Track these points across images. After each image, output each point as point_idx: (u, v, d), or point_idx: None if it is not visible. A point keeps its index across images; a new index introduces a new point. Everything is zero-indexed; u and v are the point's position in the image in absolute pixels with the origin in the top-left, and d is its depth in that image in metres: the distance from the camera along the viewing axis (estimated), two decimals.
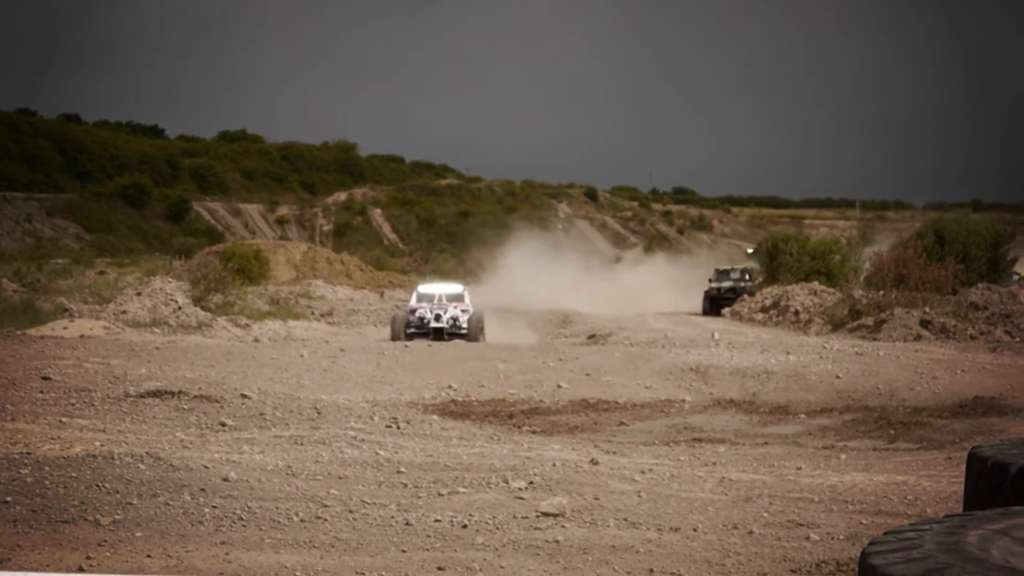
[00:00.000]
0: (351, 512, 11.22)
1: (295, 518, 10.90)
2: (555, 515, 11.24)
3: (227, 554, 9.56)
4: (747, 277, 54.94)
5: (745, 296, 50.14)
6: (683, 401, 21.70)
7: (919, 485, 13.52)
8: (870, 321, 35.16)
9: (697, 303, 54.26)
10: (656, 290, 51.69)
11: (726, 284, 54.13)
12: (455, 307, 37.26)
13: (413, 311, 37.15)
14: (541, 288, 41.42)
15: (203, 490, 11.73)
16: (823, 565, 9.83)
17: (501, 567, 9.46)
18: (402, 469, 13.61)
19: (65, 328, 29.62)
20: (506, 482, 12.86)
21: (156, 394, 18.75)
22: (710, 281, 54.95)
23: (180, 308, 35.39)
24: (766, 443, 17.92)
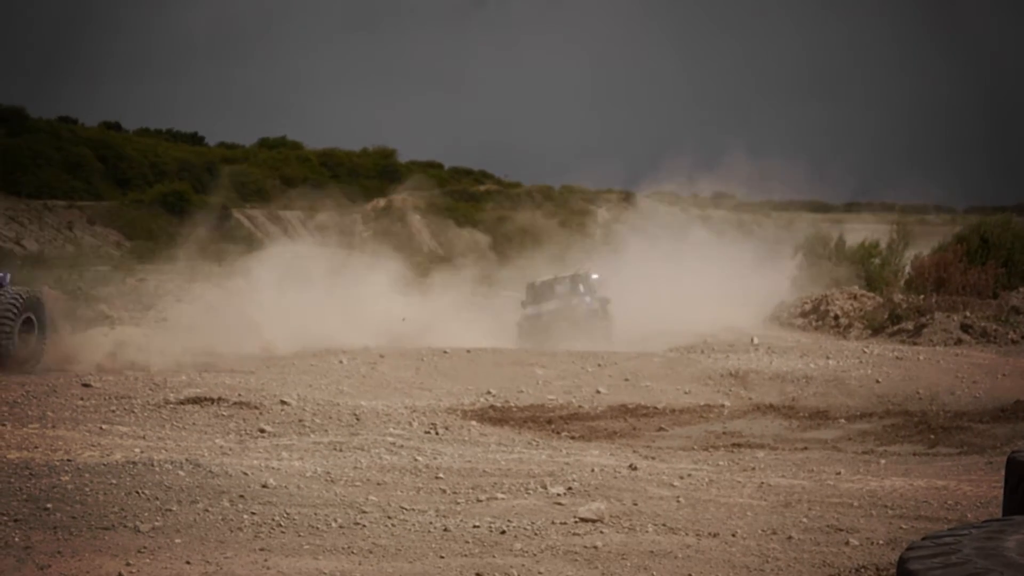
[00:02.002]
0: (389, 518, 11.24)
1: (334, 524, 10.92)
2: (593, 521, 11.23)
3: (266, 560, 9.59)
4: (583, 288, 36.31)
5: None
6: (722, 406, 21.64)
7: (959, 490, 13.46)
8: (910, 325, 34.99)
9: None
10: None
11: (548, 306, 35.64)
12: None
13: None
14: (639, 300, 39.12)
15: (242, 496, 11.76)
16: (863, 570, 9.80)
17: (539, 573, 9.46)
18: (440, 475, 13.62)
19: (105, 335, 29.73)
20: (544, 488, 12.86)
21: (196, 401, 18.82)
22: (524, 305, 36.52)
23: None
24: (805, 448, 17.86)
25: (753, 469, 15.27)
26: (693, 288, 36.54)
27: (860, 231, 45.78)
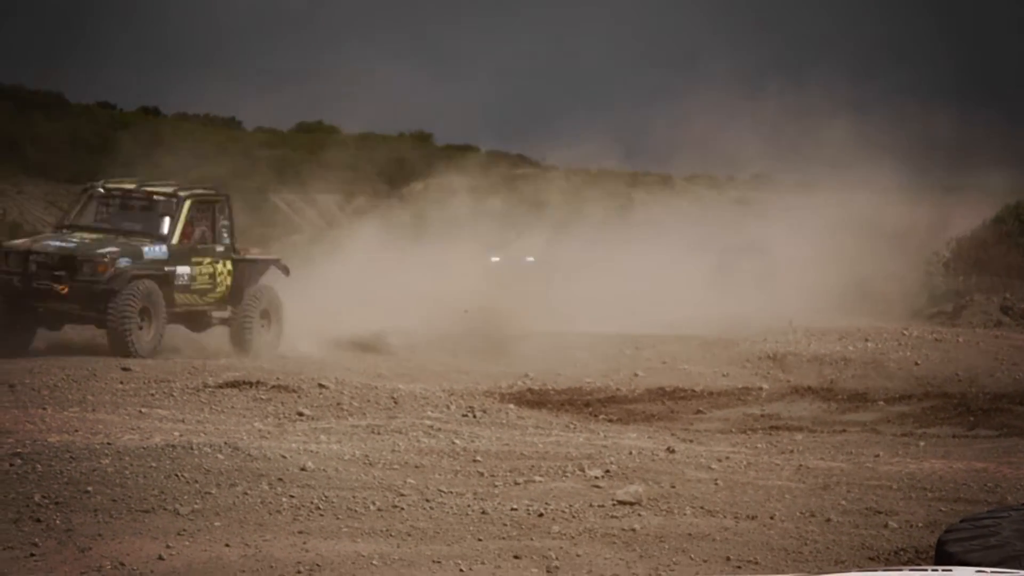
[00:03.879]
0: (427, 501, 11.26)
1: (372, 507, 10.95)
2: (631, 503, 11.23)
3: (304, 543, 9.63)
4: None
5: None
6: (760, 389, 21.59)
7: (999, 472, 13.40)
8: (949, 307, 34.82)
9: None
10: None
11: None
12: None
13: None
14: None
15: (281, 480, 11.80)
16: (902, 553, 9.78)
17: (577, 555, 9.47)
18: (478, 458, 13.63)
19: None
20: (582, 471, 12.86)
21: (234, 384, 18.86)
22: None
23: None
24: (844, 430, 17.81)
25: (791, 452, 15.23)
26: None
27: None
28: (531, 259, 38.08)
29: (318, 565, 9.32)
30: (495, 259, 37.52)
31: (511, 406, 19.10)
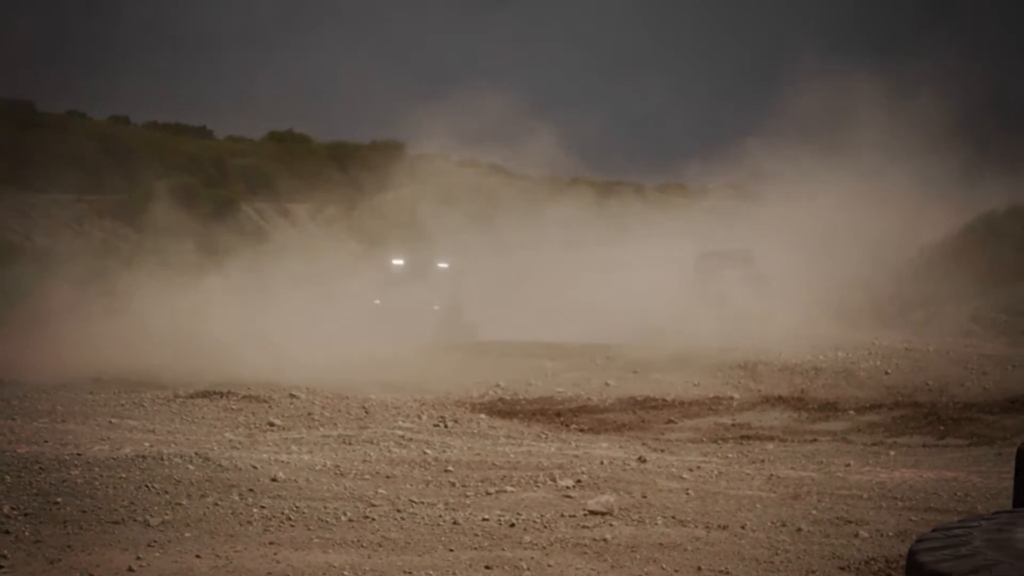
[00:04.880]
0: (399, 511, 11.24)
1: (343, 518, 10.92)
2: (603, 513, 11.23)
3: (275, 554, 9.60)
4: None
5: None
6: (731, 398, 21.64)
7: (969, 481, 13.44)
8: (920, 316, 34.92)
9: None
10: None
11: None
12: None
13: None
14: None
15: (252, 490, 11.77)
16: (872, 562, 9.79)
17: (549, 566, 9.46)
18: (450, 468, 13.62)
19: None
20: (554, 480, 12.86)
21: (205, 395, 18.83)
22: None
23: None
24: (815, 440, 17.85)
25: (762, 461, 15.27)
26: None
27: None
28: (444, 265, 36.58)
29: None
30: (398, 262, 36.43)
31: (482, 416, 19.10)
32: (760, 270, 36.97)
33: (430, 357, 25.41)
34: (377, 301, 33.69)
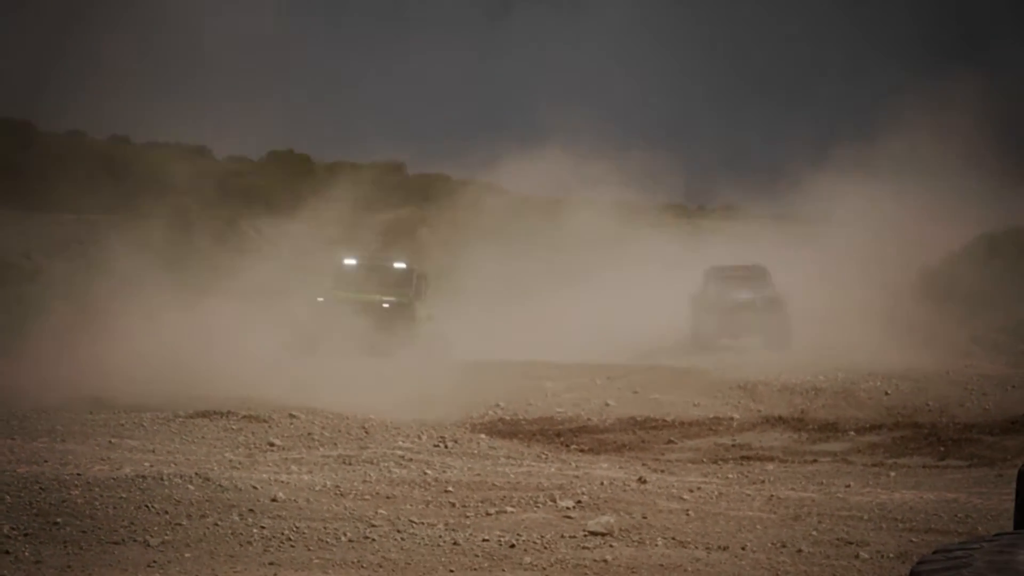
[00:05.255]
0: (399, 532, 11.23)
1: (343, 538, 10.91)
2: (603, 534, 11.22)
3: (276, 574, 9.59)
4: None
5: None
6: (731, 419, 21.61)
7: (970, 503, 13.43)
8: (919, 337, 34.87)
9: None
10: None
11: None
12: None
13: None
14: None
15: (252, 510, 11.76)
16: None
17: None
18: (450, 488, 13.61)
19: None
20: (554, 501, 12.85)
21: (205, 414, 18.81)
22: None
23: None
24: (815, 460, 17.84)
25: (762, 482, 15.25)
26: None
27: None
28: (401, 265, 34.33)
29: None
30: (349, 261, 34.58)
31: (482, 436, 19.08)
32: (776, 290, 34.38)
33: (429, 376, 25.38)
34: (320, 299, 32.40)
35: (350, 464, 15.16)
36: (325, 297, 32.45)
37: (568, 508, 12.52)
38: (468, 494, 13.33)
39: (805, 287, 35.68)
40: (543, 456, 17.47)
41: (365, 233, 35.06)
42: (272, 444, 16.87)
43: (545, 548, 10.72)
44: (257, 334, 29.92)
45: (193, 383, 22.74)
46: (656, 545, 10.96)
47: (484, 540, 10.94)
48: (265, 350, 27.38)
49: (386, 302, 32.40)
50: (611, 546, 10.83)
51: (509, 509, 12.44)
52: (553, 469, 15.66)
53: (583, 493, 13.28)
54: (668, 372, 26.08)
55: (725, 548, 10.88)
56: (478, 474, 14.77)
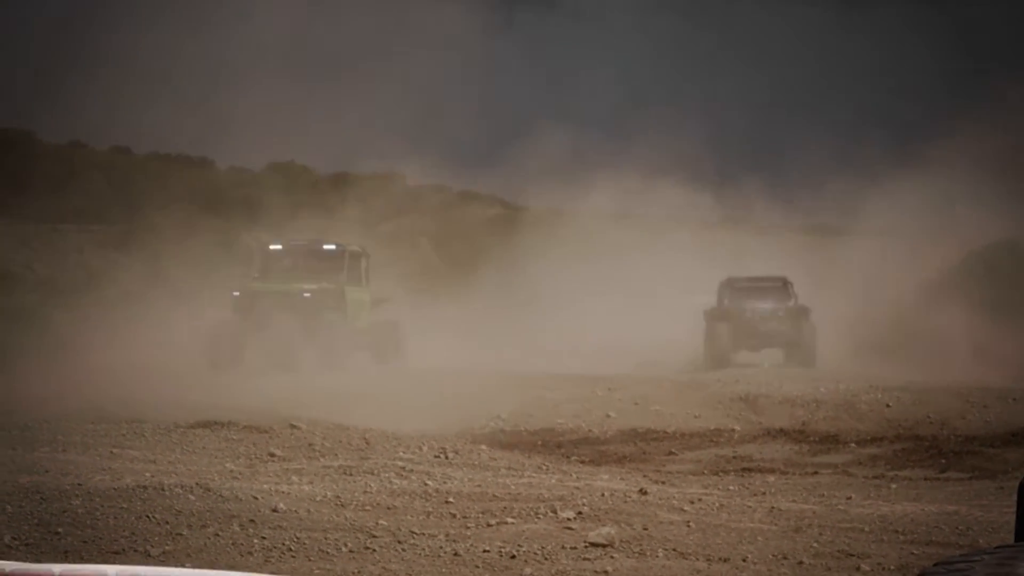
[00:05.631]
0: (400, 543, 11.22)
1: (344, 549, 10.91)
2: (604, 545, 11.21)
3: None
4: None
5: None
6: (732, 430, 21.62)
7: (971, 515, 13.42)
8: (920, 349, 34.86)
9: None
10: None
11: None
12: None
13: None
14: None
15: (252, 521, 11.76)
16: None
17: None
18: (451, 499, 13.60)
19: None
20: (555, 512, 12.84)
21: (206, 425, 18.80)
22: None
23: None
24: (816, 472, 17.83)
25: (764, 494, 15.24)
26: None
27: None
28: (331, 247, 31.29)
29: None
30: (275, 247, 31.88)
31: (483, 447, 19.07)
32: (799, 302, 33.37)
33: (430, 387, 25.37)
34: (236, 292, 29.26)
35: (351, 475, 15.15)
36: (241, 291, 29.42)
37: (569, 519, 12.52)
38: (469, 505, 13.32)
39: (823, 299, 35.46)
40: (544, 467, 17.46)
41: (365, 243, 35.08)
42: (273, 454, 16.86)
43: (546, 559, 10.72)
44: (175, 346, 28.46)
45: (194, 393, 22.75)
46: (657, 556, 10.96)
47: (485, 551, 10.94)
48: (181, 364, 26.83)
49: (307, 291, 28.94)
50: (612, 557, 10.83)
51: (510, 520, 12.43)
52: (554, 480, 15.65)
53: (584, 504, 13.27)
54: (669, 384, 26.09)
55: (726, 560, 10.87)
56: (479, 485, 14.76)
